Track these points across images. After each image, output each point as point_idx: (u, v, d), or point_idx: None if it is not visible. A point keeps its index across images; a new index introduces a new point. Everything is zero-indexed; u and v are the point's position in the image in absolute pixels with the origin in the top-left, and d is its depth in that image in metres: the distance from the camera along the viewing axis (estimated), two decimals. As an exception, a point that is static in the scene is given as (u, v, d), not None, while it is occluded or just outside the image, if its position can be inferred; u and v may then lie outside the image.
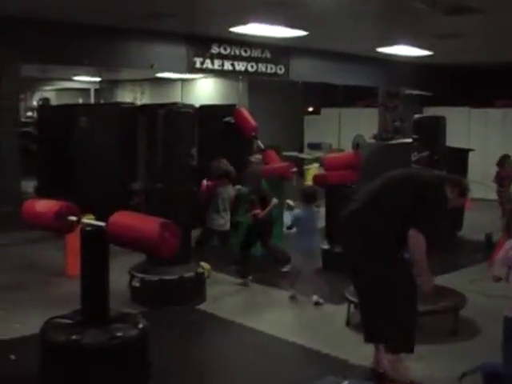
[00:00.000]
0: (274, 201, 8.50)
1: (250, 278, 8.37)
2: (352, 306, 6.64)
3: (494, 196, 11.76)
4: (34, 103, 21.98)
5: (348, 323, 6.62)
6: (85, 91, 21.56)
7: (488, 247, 9.80)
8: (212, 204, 8.61)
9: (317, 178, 9.31)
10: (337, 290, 7.30)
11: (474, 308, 6.77)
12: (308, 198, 7.75)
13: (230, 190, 8.74)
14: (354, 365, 5.50)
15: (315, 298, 7.44)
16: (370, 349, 5.78)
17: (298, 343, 6.14)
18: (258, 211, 8.35)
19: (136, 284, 7.35)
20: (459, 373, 5.15)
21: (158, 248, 4.69)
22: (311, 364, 5.60)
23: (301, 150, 18.15)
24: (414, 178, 5.42)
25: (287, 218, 8.81)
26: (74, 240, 6.83)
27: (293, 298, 7.68)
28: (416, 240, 5.01)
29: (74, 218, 5.30)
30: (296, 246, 7.82)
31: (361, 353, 5.79)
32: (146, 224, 4.88)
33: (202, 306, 7.33)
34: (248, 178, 8.77)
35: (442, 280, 7.97)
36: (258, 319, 6.96)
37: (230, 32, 11.86)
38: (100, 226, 5.11)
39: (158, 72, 15.91)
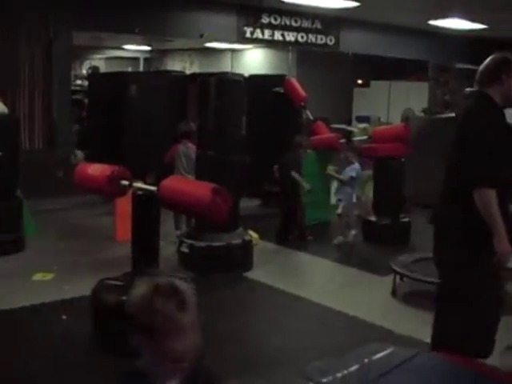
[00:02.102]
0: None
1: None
2: (398, 276, 6.70)
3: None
4: (84, 72, 22.15)
5: (394, 294, 6.66)
6: (134, 60, 21.64)
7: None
8: (176, 164, 8.49)
9: (366, 151, 9.29)
10: (382, 261, 7.36)
11: None
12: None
13: (191, 151, 8.39)
14: (400, 334, 5.54)
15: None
16: (415, 320, 5.86)
17: (343, 311, 6.21)
18: None
19: (184, 250, 7.45)
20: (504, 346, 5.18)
21: (210, 213, 4.75)
22: (356, 332, 5.64)
23: (349, 123, 18.04)
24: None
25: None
26: (123, 205, 6.95)
27: (339, 246, 8.39)
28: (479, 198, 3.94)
29: (125, 182, 5.39)
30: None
31: (406, 323, 5.85)
32: (198, 189, 4.95)
33: (249, 274, 7.42)
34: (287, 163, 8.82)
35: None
36: (304, 287, 7.04)
37: (281, 2, 11.82)
38: (151, 190, 5.20)
39: (207, 42, 15.92)
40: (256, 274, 7.42)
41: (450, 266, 4.25)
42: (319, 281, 7.45)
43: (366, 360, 4.06)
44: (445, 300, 4.39)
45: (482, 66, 4.28)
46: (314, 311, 6.35)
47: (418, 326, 5.76)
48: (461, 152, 4.08)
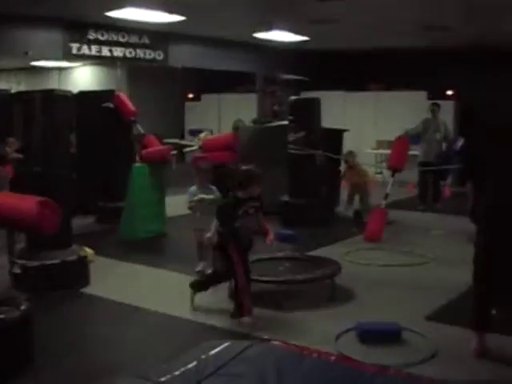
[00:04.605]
0: None
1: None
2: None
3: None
4: None
5: (231, 296, 6.82)
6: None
7: (357, 222, 10.44)
8: None
9: (196, 160, 9.43)
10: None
11: (349, 276, 7.13)
12: None
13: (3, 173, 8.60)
14: (238, 333, 5.70)
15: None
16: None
17: (183, 317, 6.29)
18: None
19: (17, 271, 7.24)
20: (336, 333, 5.51)
21: (38, 225, 4.70)
22: (196, 335, 5.73)
23: (182, 137, 18.25)
24: None
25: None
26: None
27: (199, 272, 7.67)
28: None
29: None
30: None
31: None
32: (24, 202, 4.87)
33: (86, 290, 7.32)
34: None
35: (320, 252, 8.38)
36: (142, 297, 7.02)
37: (107, 17, 11.75)
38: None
39: (33, 60, 15.55)
40: (93, 289, 7.32)
41: None
42: (158, 290, 7.44)
43: (203, 356, 4.16)
44: None
45: None
46: (152, 320, 6.36)
47: (255, 323, 5.98)
48: None
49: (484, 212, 5.16)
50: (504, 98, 11.89)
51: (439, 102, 13.51)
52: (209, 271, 7.45)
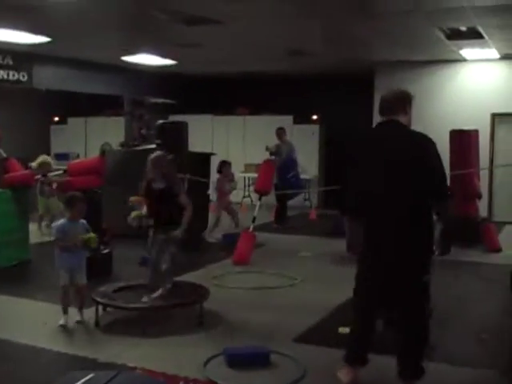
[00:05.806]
0: None
1: None
2: (100, 307, 6.71)
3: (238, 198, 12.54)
4: None
5: (97, 324, 6.66)
6: None
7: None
8: None
9: (62, 185, 9.22)
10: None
11: (217, 300, 7.15)
12: None
13: None
14: (103, 362, 5.56)
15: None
16: (118, 346, 5.95)
17: (46, 348, 6.05)
18: None
19: None
20: (205, 359, 5.48)
21: None
22: (60, 367, 5.55)
23: (47, 161, 17.78)
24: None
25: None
26: None
27: (64, 326, 6.67)
28: None
29: None
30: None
31: (110, 350, 5.89)
32: None
33: None
34: None
35: (187, 277, 8.36)
36: (5, 329, 6.71)
37: (-35, 36, 11.33)
38: None
39: None
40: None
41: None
42: (20, 321, 7.14)
43: (66, 390, 4.03)
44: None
45: (389, 98, 4.88)
46: (13, 352, 6.08)
47: (121, 351, 5.86)
48: (430, 171, 4.59)
49: (363, 253, 4.94)
50: (361, 121, 12.52)
51: (305, 125, 13.94)
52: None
